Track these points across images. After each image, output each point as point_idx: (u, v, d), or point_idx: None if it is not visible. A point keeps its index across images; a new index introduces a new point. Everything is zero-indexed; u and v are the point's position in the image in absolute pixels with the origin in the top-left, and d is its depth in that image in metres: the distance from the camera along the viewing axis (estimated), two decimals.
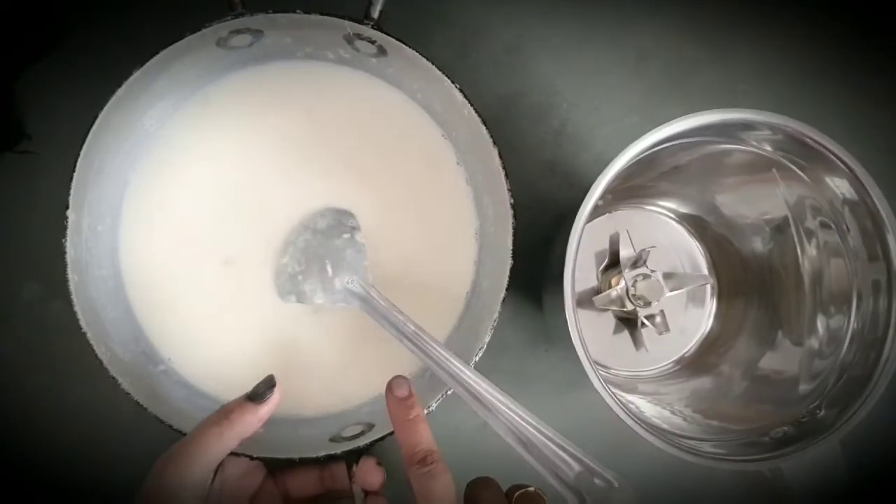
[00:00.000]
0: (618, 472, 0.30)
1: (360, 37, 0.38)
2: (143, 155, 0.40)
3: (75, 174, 0.35)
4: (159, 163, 0.41)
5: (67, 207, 0.35)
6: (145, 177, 0.40)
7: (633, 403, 0.40)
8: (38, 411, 0.44)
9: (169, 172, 0.41)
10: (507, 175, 0.37)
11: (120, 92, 0.36)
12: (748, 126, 0.35)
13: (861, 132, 0.48)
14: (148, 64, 0.36)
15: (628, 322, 0.46)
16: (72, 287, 0.35)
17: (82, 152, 0.35)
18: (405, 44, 0.37)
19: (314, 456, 0.36)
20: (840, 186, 0.35)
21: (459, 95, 0.37)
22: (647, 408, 0.41)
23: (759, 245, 0.43)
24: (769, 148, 0.36)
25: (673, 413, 0.41)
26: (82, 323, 0.35)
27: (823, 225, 0.37)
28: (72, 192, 0.35)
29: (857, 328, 0.36)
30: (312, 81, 0.42)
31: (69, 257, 0.35)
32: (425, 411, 0.36)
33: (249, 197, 0.41)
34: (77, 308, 0.35)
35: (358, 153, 0.41)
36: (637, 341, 0.46)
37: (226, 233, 0.41)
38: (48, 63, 0.45)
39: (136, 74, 0.36)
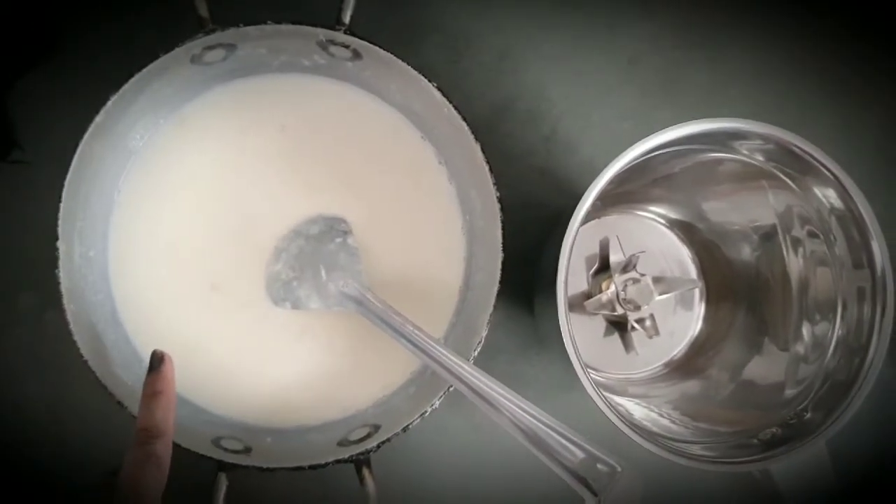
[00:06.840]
0: (620, 457, 0.31)
1: (333, 42, 0.38)
2: (127, 177, 0.40)
3: (62, 204, 0.35)
4: (142, 184, 0.40)
5: (57, 239, 0.35)
6: (129, 198, 0.40)
7: (622, 406, 0.40)
8: (36, 419, 0.44)
9: (150, 194, 0.40)
10: (490, 169, 0.37)
11: (98, 118, 0.35)
12: (740, 135, 0.35)
13: (851, 139, 0.49)
14: (123, 88, 0.35)
15: (618, 325, 0.47)
16: (70, 317, 0.35)
17: (67, 181, 0.35)
18: (379, 46, 0.37)
19: (322, 462, 0.36)
20: (828, 196, 0.36)
21: (438, 94, 0.37)
22: (637, 410, 0.41)
23: (747, 252, 0.44)
24: (760, 157, 0.37)
25: (661, 416, 0.41)
26: (83, 351, 0.34)
27: (811, 234, 0.38)
28: (60, 222, 0.35)
29: (841, 335, 0.36)
30: (289, 95, 0.41)
31: (64, 288, 0.35)
32: (429, 409, 0.36)
33: (233, 216, 0.41)
34: (76, 338, 0.34)
35: (339, 163, 0.41)
36: (627, 344, 0.46)
37: (212, 254, 0.40)
38: (40, 73, 0.45)
39: (114, 99, 0.35)
